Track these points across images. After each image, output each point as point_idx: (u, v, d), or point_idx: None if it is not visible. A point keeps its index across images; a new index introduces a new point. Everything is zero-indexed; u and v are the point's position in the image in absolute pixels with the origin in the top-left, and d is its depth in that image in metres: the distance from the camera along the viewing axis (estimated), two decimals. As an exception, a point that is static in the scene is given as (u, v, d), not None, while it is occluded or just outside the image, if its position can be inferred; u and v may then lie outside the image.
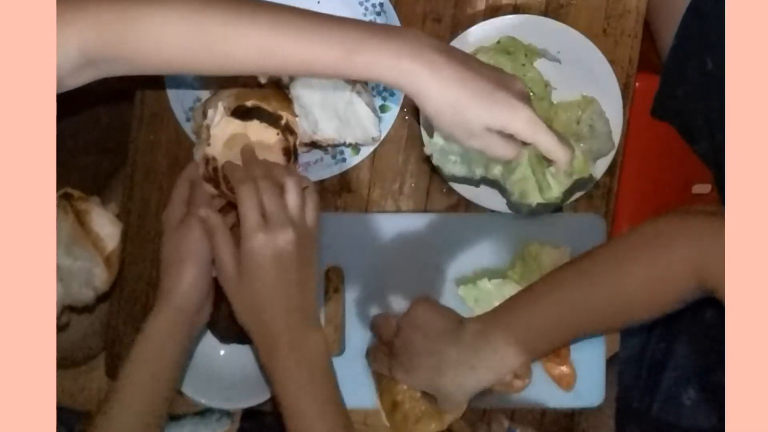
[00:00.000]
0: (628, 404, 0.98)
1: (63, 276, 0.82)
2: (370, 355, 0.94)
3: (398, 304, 0.98)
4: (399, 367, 0.86)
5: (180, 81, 0.94)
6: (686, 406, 0.92)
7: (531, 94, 0.91)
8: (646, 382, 0.96)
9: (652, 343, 0.98)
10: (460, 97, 0.69)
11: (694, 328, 0.93)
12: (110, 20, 0.66)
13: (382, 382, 0.93)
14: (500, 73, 0.72)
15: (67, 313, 0.86)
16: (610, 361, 1.04)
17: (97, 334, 1.01)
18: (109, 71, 0.70)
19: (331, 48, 0.69)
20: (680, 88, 0.95)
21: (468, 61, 0.71)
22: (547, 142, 0.71)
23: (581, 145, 0.94)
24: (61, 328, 0.90)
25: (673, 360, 0.94)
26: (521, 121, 0.70)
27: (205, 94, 0.94)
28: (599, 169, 0.96)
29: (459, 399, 0.83)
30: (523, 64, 0.93)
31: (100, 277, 0.83)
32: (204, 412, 1.05)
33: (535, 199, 0.90)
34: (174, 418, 1.06)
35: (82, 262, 0.82)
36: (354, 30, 0.69)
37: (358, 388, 0.98)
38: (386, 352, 0.89)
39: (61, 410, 1.06)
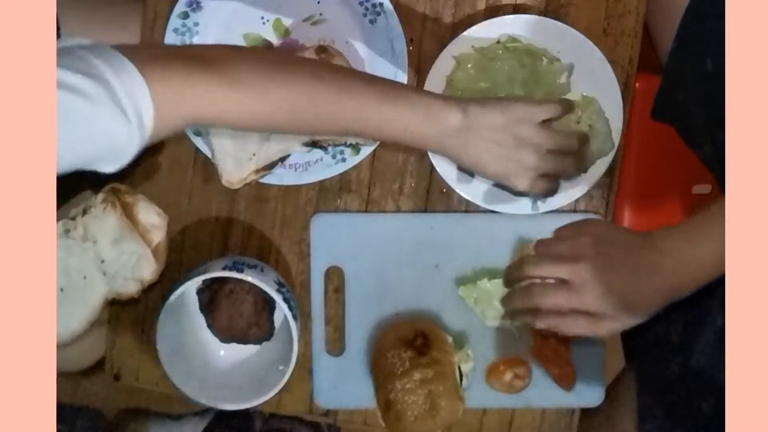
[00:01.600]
0: (649, 419, 0.97)
1: (107, 269, 0.83)
2: (538, 316, 0.81)
3: (398, 304, 0.98)
4: (590, 292, 0.78)
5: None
6: (706, 416, 0.92)
7: None
8: (665, 395, 0.96)
9: (666, 356, 0.97)
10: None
11: (708, 336, 0.92)
12: (214, 99, 0.71)
13: (378, 380, 0.93)
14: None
15: (108, 308, 0.86)
16: (620, 375, 1.04)
17: (101, 340, 1.01)
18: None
19: (415, 113, 0.81)
20: (680, 91, 0.95)
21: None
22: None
23: None
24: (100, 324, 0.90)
25: (689, 371, 0.94)
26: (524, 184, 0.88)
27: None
28: (597, 168, 0.96)
29: (655, 304, 0.78)
30: (524, 65, 0.93)
31: (148, 269, 0.85)
32: (204, 412, 1.06)
33: None
34: (174, 418, 1.06)
35: (129, 255, 0.84)
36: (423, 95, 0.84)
37: (358, 388, 0.98)
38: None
39: (61, 408, 1.06)
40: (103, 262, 0.83)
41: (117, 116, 0.62)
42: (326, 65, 0.85)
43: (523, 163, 0.85)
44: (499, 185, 0.95)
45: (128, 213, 0.86)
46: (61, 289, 0.84)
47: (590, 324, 0.78)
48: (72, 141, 0.61)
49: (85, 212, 0.84)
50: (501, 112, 0.84)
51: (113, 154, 0.65)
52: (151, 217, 0.87)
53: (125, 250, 0.84)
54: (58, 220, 0.83)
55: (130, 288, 0.86)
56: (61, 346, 0.85)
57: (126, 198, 0.87)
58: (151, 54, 0.68)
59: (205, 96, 0.70)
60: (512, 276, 0.86)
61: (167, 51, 0.76)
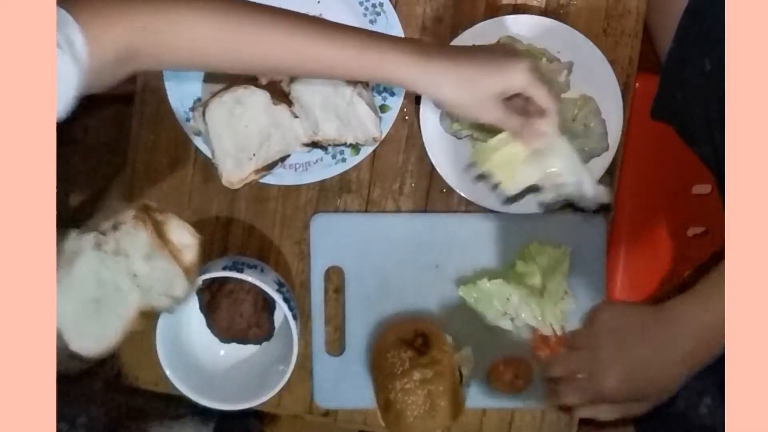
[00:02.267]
0: (647, 418, 0.97)
1: (141, 283, 0.83)
2: (559, 390, 0.84)
3: (398, 304, 0.98)
4: (611, 379, 0.80)
5: (180, 81, 0.95)
6: (704, 415, 0.92)
7: None
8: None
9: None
10: (471, 74, 0.78)
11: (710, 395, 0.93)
12: (148, 20, 0.71)
13: (378, 380, 0.93)
14: (500, 47, 0.80)
15: (140, 319, 0.85)
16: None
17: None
18: (143, 66, 0.74)
19: (344, 48, 0.76)
20: (679, 90, 0.95)
21: (468, 48, 0.79)
22: (540, 96, 0.80)
23: (575, 143, 0.94)
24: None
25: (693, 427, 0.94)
26: (520, 75, 0.78)
27: (205, 94, 0.94)
28: (597, 168, 0.96)
29: (678, 377, 0.79)
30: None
31: (181, 287, 0.83)
32: (204, 413, 1.05)
33: None
34: (174, 418, 1.06)
35: (161, 271, 0.82)
36: (363, 33, 0.78)
37: (358, 388, 0.98)
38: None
39: (61, 407, 1.06)
40: (135, 276, 0.82)
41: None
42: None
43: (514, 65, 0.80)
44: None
45: (159, 231, 0.84)
46: (96, 301, 0.83)
47: (619, 409, 0.81)
48: None
49: (116, 228, 0.82)
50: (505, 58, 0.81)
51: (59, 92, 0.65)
52: (183, 236, 0.85)
53: (157, 266, 0.83)
54: (89, 231, 0.82)
55: (163, 302, 0.84)
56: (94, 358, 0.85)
57: (156, 216, 0.84)
58: None
59: (135, 19, 0.70)
60: (547, 379, 0.87)
61: None
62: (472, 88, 0.79)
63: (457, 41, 0.93)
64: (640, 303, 0.84)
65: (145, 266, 0.82)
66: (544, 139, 0.83)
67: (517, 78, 0.78)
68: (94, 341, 0.83)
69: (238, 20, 0.74)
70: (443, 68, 0.78)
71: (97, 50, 0.67)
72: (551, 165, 0.85)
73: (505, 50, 0.84)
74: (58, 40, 0.64)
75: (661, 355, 0.78)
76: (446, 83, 0.78)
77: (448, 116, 0.93)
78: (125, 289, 0.82)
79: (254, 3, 0.77)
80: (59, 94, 0.65)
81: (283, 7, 0.93)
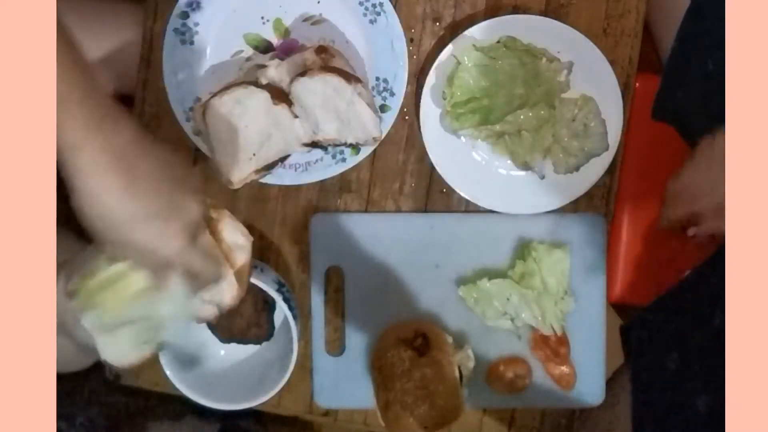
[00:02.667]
0: (644, 418, 0.97)
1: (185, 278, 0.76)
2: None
3: (398, 304, 0.98)
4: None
5: (180, 81, 0.95)
6: (702, 413, 0.92)
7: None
8: (661, 392, 0.96)
9: (663, 352, 0.97)
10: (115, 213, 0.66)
11: (705, 333, 0.92)
12: None
13: (378, 380, 0.93)
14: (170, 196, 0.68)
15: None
16: (617, 373, 1.04)
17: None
18: None
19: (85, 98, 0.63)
20: (681, 90, 0.95)
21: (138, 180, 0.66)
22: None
23: (574, 143, 0.95)
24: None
25: (685, 368, 0.94)
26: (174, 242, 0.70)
27: (205, 94, 0.94)
28: (597, 168, 0.96)
29: None
30: (525, 64, 0.93)
31: (229, 293, 0.79)
32: (205, 413, 1.05)
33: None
34: (175, 418, 1.06)
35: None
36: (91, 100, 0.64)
37: (358, 388, 0.98)
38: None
39: (61, 406, 1.06)
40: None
41: None
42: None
43: (181, 218, 0.70)
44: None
45: (212, 229, 0.79)
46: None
47: None
48: None
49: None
50: (175, 166, 0.70)
51: None
52: (236, 236, 0.80)
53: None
54: None
55: (206, 312, 0.79)
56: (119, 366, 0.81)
57: (210, 212, 0.80)
58: None
59: None
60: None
61: None
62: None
63: (457, 41, 0.93)
64: None
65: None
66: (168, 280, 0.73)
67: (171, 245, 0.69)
68: (129, 351, 0.78)
69: None
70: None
71: None
72: (159, 309, 0.76)
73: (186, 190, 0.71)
74: None
75: None
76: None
77: (447, 116, 0.93)
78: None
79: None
80: None
81: (284, 6, 0.94)
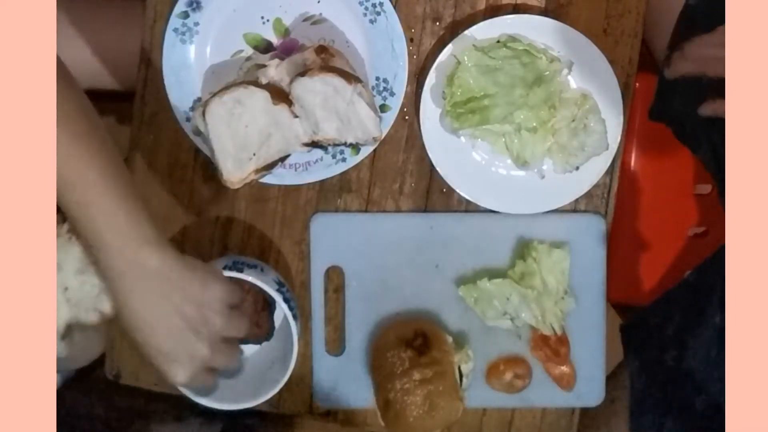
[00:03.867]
0: (642, 416, 0.97)
1: (70, 297, 0.81)
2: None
3: (398, 304, 0.98)
4: None
5: (180, 81, 0.94)
6: (700, 413, 0.92)
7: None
8: (659, 391, 0.96)
9: (662, 352, 0.97)
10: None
11: (704, 333, 0.92)
12: None
13: (378, 380, 0.93)
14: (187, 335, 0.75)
15: (73, 330, 0.85)
16: (616, 372, 1.04)
17: (99, 338, 1.00)
18: None
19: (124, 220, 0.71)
20: (677, 94, 0.95)
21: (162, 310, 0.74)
22: None
23: (574, 143, 0.95)
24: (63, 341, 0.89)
25: (684, 367, 0.94)
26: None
27: (205, 94, 0.94)
28: (597, 168, 0.96)
29: None
30: (525, 64, 0.93)
31: (108, 303, 0.82)
32: (206, 413, 1.05)
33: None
34: (176, 418, 1.06)
35: (91, 286, 0.81)
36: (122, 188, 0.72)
37: (358, 388, 0.98)
38: None
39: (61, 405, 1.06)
40: (66, 289, 0.81)
41: None
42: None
43: (195, 352, 0.75)
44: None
45: None
46: None
47: None
48: None
49: None
50: (202, 282, 0.75)
51: None
52: None
53: (87, 280, 0.82)
54: None
55: (91, 317, 0.83)
56: None
57: None
58: None
59: None
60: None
61: None
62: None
63: (457, 41, 0.93)
64: None
65: (76, 280, 0.81)
66: None
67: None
68: None
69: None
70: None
71: None
72: None
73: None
74: None
75: None
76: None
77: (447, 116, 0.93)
78: (57, 303, 0.81)
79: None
80: None
81: (284, 6, 0.94)
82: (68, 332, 0.84)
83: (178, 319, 0.73)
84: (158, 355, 0.74)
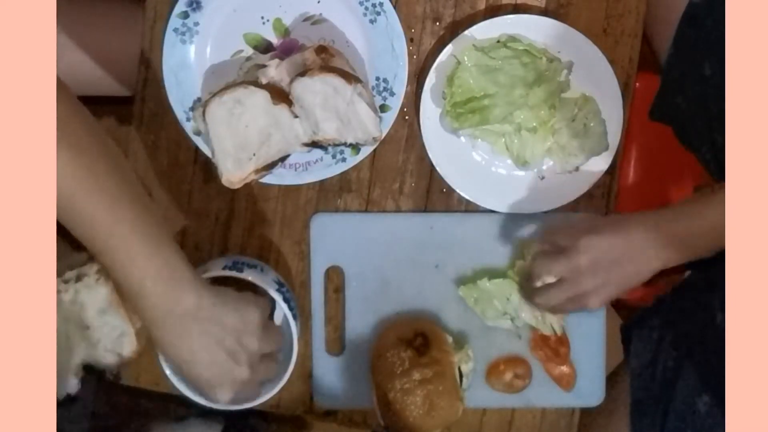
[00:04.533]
0: (643, 416, 0.97)
1: (90, 336, 0.83)
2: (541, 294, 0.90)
3: (398, 304, 0.98)
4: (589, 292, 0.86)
5: (180, 81, 0.94)
6: (701, 413, 0.92)
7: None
8: (660, 391, 0.96)
9: (663, 351, 0.97)
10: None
11: (705, 333, 0.92)
12: None
13: (377, 380, 0.93)
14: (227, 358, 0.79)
15: (81, 371, 0.86)
16: (616, 372, 1.04)
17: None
18: None
19: (161, 267, 0.74)
20: (678, 95, 0.95)
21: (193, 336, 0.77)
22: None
23: (574, 143, 0.95)
24: (61, 403, 0.89)
25: (685, 367, 0.94)
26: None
27: (205, 94, 0.94)
28: (597, 168, 0.96)
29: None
30: (525, 64, 0.93)
31: (129, 347, 0.84)
32: (207, 414, 1.05)
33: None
34: (177, 419, 1.06)
35: (112, 328, 0.83)
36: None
37: (358, 388, 0.98)
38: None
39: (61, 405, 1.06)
40: (87, 329, 0.83)
41: None
42: (118, 156, 0.77)
43: (235, 374, 0.79)
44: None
45: (119, 290, 0.84)
46: None
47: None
48: None
49: (78, 279, 0.83)
50: (236, 312, 0.79)
51: None
52: None
53: (109, 322, 0.84)
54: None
55: (108, 359, 0.85)
56: None
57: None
58: None
59: None
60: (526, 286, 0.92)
61: None
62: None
63: (457, 40, 0.93)
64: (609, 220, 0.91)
65: (98, 320, 0.83)
66: None
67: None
68: None
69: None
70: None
71: None
72: None
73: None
74: None
75: (637, 271, 0.85)
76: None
77: (447, 116, 0.93)
78: (74, 341, 0.83)
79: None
80: None
81: (284, 6, 0.94)
82: (81, 371, 0.85)
83: (218, 351, 0.76)
84: (202, 383, 0.78)
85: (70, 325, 0.83)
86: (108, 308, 0.83)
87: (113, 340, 0.84)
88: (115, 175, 0.72)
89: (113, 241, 0.71)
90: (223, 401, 0.80)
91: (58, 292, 0.82)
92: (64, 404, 0.89)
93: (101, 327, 0.83)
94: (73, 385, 0.86)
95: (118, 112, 1.06)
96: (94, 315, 0.83)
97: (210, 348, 0.76)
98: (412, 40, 0.96)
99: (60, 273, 0.84)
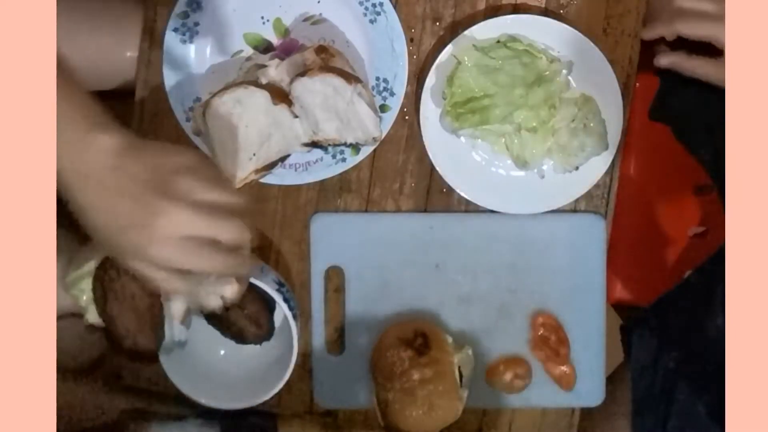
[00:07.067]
0: (644, 417, 0.97)
1: (189, 278, 0.76)
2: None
3: (398, 304, 0.98)
4: None
5: (180, 81, 0.95)
6: (702, 414, 0.92)
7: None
8: (661, 392, 0.96)
9: (663, 352, 0.97)
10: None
11: (705, 334, 0.92)
12: None
13: (378, 380, 0.93)
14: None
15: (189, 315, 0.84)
16: (617, 372, 1.04)
17: (92, 344, 1.00)
18: None
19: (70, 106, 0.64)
20: (677, 96, 0.95)
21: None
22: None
23: (575, 143, 0.95)
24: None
25: (686, 368, 0.94)
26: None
27: (205, 94, 0.94)
28: (597, 168, 0.96)
29: None
30: (525, 64, 0.93)
31: (230, 289, 0.81)
32: (207, 414, 1.05)
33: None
34: (177, 419, 1.06)
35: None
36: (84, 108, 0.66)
37: (358, 388, 0.98)
38: None
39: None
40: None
41: None
42: None
43: (160, 212, 0.64)
44: None
45: None
46: None
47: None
48: None
49: None
50: (162, 151, 0.67)
51: None
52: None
53: None
54: None
55: (211, 301, 0.81)
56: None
57: None
58: None
59: None
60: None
61: None
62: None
63: (457, 41, 0.93)
64: None
65: None
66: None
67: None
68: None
69: None
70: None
71: None
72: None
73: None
74: None
75: None
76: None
77: (447, 115, 0.93)
78: None
79: None
80: None
81: (284, 6, 0.94)
82: (186, 316, 0.84)
83: (140, 189, 0.63)
84: (120, 234, 0.63)
85: None
86: None
87: (213, 281, 0.79)
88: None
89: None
90: (159, 257, 0.65)
91: None
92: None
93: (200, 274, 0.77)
94: (179, 332, 0.83)
95: (118, 112, 1.05)
96: None
97: (123, 187, 0.63)
98: (412, 40, 0.96)
99: (66, 269, 0.82)
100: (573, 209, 0.99)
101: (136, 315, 0.84)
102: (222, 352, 1.00)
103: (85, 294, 0.86)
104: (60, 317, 0.88)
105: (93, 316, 0.87)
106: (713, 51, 0.88)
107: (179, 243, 0.65)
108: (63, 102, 0.63)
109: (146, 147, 0.67)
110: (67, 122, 0.63)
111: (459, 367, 0.94)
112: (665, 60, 0.89)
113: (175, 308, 0.83)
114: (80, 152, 0.63)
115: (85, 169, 0.63)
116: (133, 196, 0.63)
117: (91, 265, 0.86)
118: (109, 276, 0.83)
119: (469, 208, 0.98)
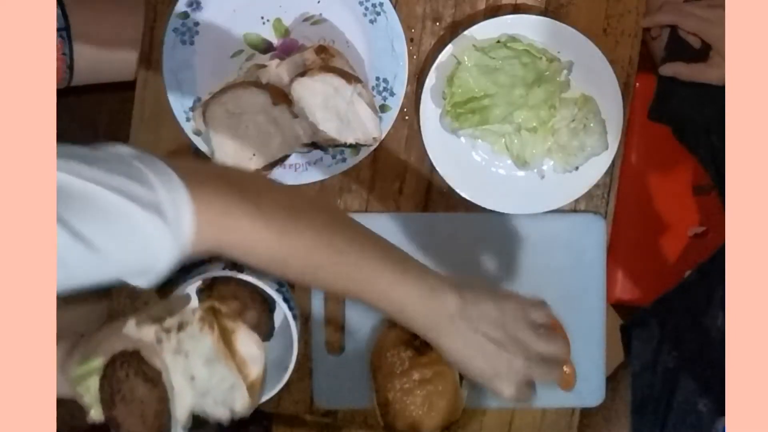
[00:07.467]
0: (644, 416, 0.97)
1: (198, 387, 0.79)
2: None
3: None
4: None
5: (180, 81, 0.95)
6: (703, 413, 0.92)
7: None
8: (661, 392, 0.96)
9: (663, 352, 0.97)
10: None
11: (705, 334, 0.93)
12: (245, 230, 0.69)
13: (377, 380, 0.93)
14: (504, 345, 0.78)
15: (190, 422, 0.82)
16: (617, 372, 1.04)
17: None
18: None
19: (419, 287, 0.77)
20: (675, 95, 0.95)
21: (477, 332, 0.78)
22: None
23: (575, 143, 0.95)
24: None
25: (686, 367, 0.94)
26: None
27: (205, 94, 0.94)
28: (597, 168, 0.96)
29: None
30: (525, 64, 0.93)
31: (240, 401, 0.80)
32: (198, 426, 1.05)
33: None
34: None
35: (221, 380, 0.79)
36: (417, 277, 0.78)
37: (358, 388, 0.98)
38: None
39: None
40: (193, 379, 0.79)
41: (160, 228, 0.62)
42: (344, 218, 0.81)
43: (512, 365, 0.78)
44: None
45: (226, 339, 0.81)
46: None
47: None
48: (119, 245, 0.60)
49: (180, 328, 0.79)
50: (496, 305, 0.79)
51: (148, 265, 0.64)
52: (251, 347, 0.82)
53: (217, 373, 0.79)
54: (150, 321, 0.80)
55: (218, 412, 0.80)
56: None
57: (226, 322, 0.82)
58: (199, 175, 0.67)
59: (237, 226, 0.67)
60: None
61: (214, 173, 0.72)
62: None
63: (457, 41, 0.93)
64: None
65: (205, 371, 0.79)
66: None
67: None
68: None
69: (322, 245, 0.74)
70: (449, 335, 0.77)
71: (198, 244, 0.65)
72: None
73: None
74: (169, 221, 0.62)
75: None
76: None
77: (447, 116, 0.93)
78: (180, 390, 0.79)
79: (346, 224, 0.78)
80: (150, 267, 0.64)
81: (284, 6, 0.94)
82: (190, 422, 0.81)
83: (486, 343, 0.77)
84: (484, 378, 0.78)
85: (176, 375, 0.79)
86: (215, 358, 0.79)
87: (224, 392, 0.80)
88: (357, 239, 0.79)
89: (379, 287, 0.77)
90: (507, 395, 0.78)
91: (159, 341, 0.79)
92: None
93: (209, 378, 0.79)
94: None
95: (118, 112, 1.06)
96: (200, 365, 0.79)
97: (479, 343, 0.77)
98: (412, 40, 0.96)
99: (158, 318, 0.80)
100: (573, 209, 0.99)
101: (143, 420, 0.81)
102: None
103: (90, 391, 0.80)
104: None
105: (97, 414, 0.81)
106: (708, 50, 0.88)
107: (520, 382, 0.79)
108: (408, 280, 0.77)
109: (485, 299, 0.78)
110: (416, 294, 0.77)
111: (459, 367, 0.94)
112: (667, 70, 0.91)
113: (180, 413, 0.81)
114: (436, 314, 0.77)
115: (444, 322, 0.77)
116: (489, 353, 0.78)
117: (98, 362, 0.80)
118: (118, 377, 0.80)
119: (469, 208, 0.98)
